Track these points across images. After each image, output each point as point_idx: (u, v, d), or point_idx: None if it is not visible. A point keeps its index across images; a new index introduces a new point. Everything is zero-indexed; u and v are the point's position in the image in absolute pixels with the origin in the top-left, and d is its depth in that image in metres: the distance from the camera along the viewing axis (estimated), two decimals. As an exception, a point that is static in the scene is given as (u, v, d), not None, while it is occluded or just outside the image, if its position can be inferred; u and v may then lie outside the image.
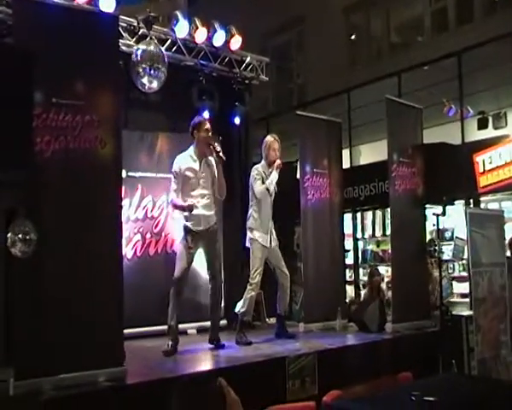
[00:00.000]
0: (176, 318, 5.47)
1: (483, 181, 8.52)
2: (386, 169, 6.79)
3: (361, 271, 10.43)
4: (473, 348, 6.27)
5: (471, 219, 6.49)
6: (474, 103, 9.05)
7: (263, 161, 6.26)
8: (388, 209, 7.44)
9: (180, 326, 5.65)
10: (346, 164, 8.50)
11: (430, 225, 7.87)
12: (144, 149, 7.11)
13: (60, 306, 4.03)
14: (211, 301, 5.77)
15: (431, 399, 3.71)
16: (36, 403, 3.67)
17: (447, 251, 9.20)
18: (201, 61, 7.46)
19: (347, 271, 9.31)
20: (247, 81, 8.07)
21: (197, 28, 7.12)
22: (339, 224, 7.56)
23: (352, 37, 13.77)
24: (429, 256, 7.45)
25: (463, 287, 8.80)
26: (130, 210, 6.87)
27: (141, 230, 6.95)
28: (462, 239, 8.70)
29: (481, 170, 8.53)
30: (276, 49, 14.54)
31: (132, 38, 6.75)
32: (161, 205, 6.97)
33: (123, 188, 4.93)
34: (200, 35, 7.17)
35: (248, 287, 6.02)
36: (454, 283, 9.25)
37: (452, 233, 9.32)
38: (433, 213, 7.12)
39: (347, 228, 9.24)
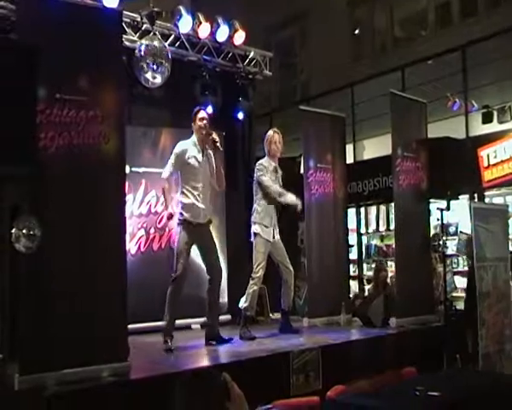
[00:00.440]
0: (174, 315, 5.46)
1: (487, 175, 8.49)
2: (390, 164, 6.77)
3: (365, 266, 10.43)
4: (477, 343, 6.27)
5: (475, 214, 6.47)
6: (479, 97, 9.02)
7: (266, 156, 6.27)
8: (392, 204, 7.44)
9: (184, 321, 5.65)
10: (349, 159, 8.50)
11: (434, 220, 7.85)
12: (148, 144, 7.12)
13: (64, 301, 4.04)
14: (208, 298, 5.68)
15: (435, 394, 3.71)
16: (40, 398, 3.68)
17: (451, 246, 9.18)
18: (205, 57, 7.46)
19: (351, 266, 9.30)
20: (250, 76, 8.06)
21: (200, 23, 7.11)
22: (342, 219, 7.55)
23: (356, 31, 13.72)
24: (433, 251, 7.43)
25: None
26: (134, 205, 6.88)
27: (144, 225, 6.96)
28: (466, 234, 8.68)
29: (486, 164, 8.51)
30: (280, 44, 14.50)
31: (136, 33, 6.75)
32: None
33: (126, 183, 4.93)
34: (204, 30, 7.17)
35: (251, 281, 6.02)
36: (458, 277, 9.22)
37: (457, 228, 9.30)
38: (438, 208, 7.10)
39: (351, 223, 9.23)
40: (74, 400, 3.78)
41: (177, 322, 5.62)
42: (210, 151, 5.73)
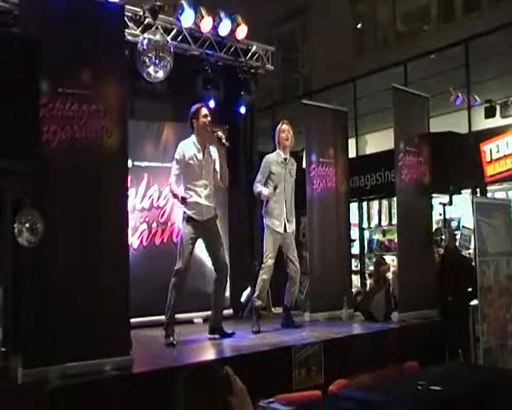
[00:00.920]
0: (175, 309, 5.48)
1: (490, 170, 8.49)
2: (392, 158, 6.76)
3: (367, 260, 10.43)
4: (479, 338, 6.27)
5: (478, 209, 6.47)
6: (482, 92, 9.00)
7: (277, 149, 6.28)
8: (394, 198, 7.43)
9: (186, 315, 5.64)
10: (351, 153, 8.49)
11: (437, 215, 7.85)
12: (150, 138, 7.12)
13: (67, 295, 4.04)
14: (214, 292, 5.69)
15: (437, 388, 3.72)
16: (43, 392, 3.69)
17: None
18: (207, 51, 7.45)
19: (353, 260, 9.31)
20: (252, 70, 8.05)
21: (203, 17, 7.10)
22: (345, 213, 7.55)
23: (358, 26, 13.68)
24: (436, 246, 7.43)
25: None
26: (137, 200, 6.88)
27: (147, 219, 6.97)
28: (468, 228, 8.68)
29: (488, 159, 8.50)
30: (282, 39, 14.47)
31: (138, 27, 6.75)
32: (167, 194, 6.96)
33: (129, 177, 4.93)
34: (206, 24, 7.15)
35: (261, 271, 6.08)
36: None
37: (459, 222, 9.30)
38: (440, 203, 7.10)
39: (353, 217, 9.23)
40: (77, 393, 3.79)
41: (179, 316, 5.63)
42: (212, 147, 5.71)
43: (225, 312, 6.55)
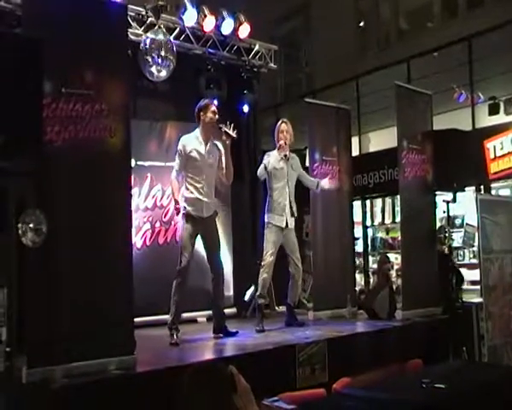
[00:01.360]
0: (179, 308, 5.48)
1: (494, 167, 8.45)
2: (395, 156, 6.76)
3: (370, 258, 10.41)
4: (483, 336, 6.26)
5: (482, 206, 6.46)
6: (485, 89, 8.98)
7: (277, 147, 6.30)
8: (398, 196, 7.41)
9: (190, 314, 5.64)
10: (355, 151, 8.48)
11: (440, 212, 7.83)
12: (153, 138, 7.13)
13: (70, 295, 4.05)
14: (213, 291, 5.69)
15: (442, 386, 3.71)
16: (48, 391, 3.70)
17: (457, 238, 9.16)
18: (210, 50, 7.45)
19: (357, 258, 9.29)
20: (255, 69, 8.05)
21: (205, 16, 7.10)
22: (348, 211, 7.55)
23: (361, 23, 13.66)
24: (439, 243, 7.42)
25: (474, 274, 8.77)
26: (140, 199, 6.89)
27: (150, 219, 6.98)
28: (472, 226, 8.66)
29: (492, 156, 8.47)
30: (285, 37, 14.47)
31: (141, 26, 6.75)
32: (170, 194, 6.98)
33: (132, 177, 4.93)
34: (209, 23, 7.15)
35: (261, 269, 6.07)
36: (464, 270, 9.21)
37: (463, 220, 9.27)
38: (444, 200, 7.08)
39: (356, 216, 9.21)
40: (81, 393, 3.80)
41: (183, 315, 5.65)
42: (216, 143, 5.72)
43: (229, 311, 6.58)
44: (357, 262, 9.64)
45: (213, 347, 5.47)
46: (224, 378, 2.08)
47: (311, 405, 4.06)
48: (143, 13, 6.72)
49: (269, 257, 6.05)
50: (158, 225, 7.02)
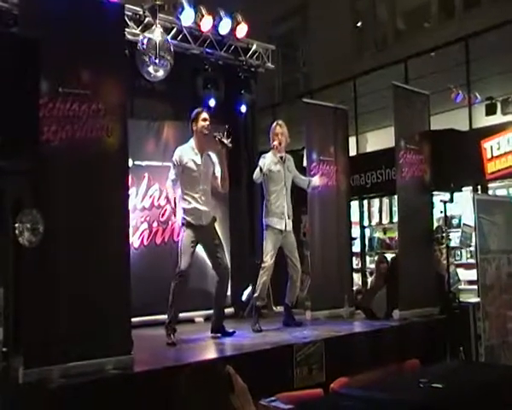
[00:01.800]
0: (177, 309, 5.47)
1: (491, 167, 8.47)
2: (392, 156, 6.76)
3: (368, 258, 10.42)
4: (480, 335, 6.27)
5: (479, 206, 6.47)
6: (482, 89, 8.98)
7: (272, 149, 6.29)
8: (395, 196, 7.42)
9: (187, 314, 5.64)
10: (352, 151, 8.47)
11: (437, 212, 7.84)
12: (150, 137, 7.12)
13: (67, 294, 4.04)
14: (215, 293, 5.72)
15: (439, 386, 3.72)
16: (45, 391, 3.70)
17: (454, 238, 9.16)
18: (207, 50, 7.45)
19: (354, 258, 9.29)
20: (252, 69, 8.05)
21: (203, 16, 7.10)
22: (345, 211, 7.55)
23: (358, 24, 13.66)
24: (437, 243, 7.42)
25: (471, 274, 8.78)
26: (137, 199, 6.88)
27: (147, 219, 6.97)
28: (469, 226, 8.66)
29: (489, 156, 8.48)
30: (282, 37, 14.45)
31: (138, 26, 6.75)
32: (167, 194, 6.97)
33: (129, 177, 4.93)
34: (206, 23, 7.15)
35: (261, 271, 6.08)
36: (461, 270, 9.21)
37: (460, 220, 9.28)
38: (441, 200, 7.08)
39: (354, 216, 9.22)
40: (78, 392, 3.79)
41: (181, 315, 5.63)
42: (210, 153, 5.71)
43: (226, 311, 6.55)
44: (355, 262, 9.65)
45: (211, 347, 5.46)
46: (222, 378, 2.07)
47: (309, 405, 4.06)
48: (141, 12, 6.72)
49: (269, 260, 6.06)
50: (155, 224, 7.01)
